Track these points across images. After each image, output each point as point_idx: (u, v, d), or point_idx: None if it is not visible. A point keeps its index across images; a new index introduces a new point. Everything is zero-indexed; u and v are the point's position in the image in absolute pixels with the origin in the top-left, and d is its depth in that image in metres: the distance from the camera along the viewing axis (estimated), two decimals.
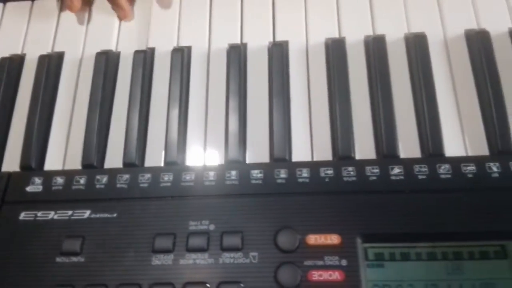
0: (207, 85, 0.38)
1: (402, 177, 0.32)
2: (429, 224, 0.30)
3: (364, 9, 0.39)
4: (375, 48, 0.37)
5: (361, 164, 0.33)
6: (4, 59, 0.40)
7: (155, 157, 0.36)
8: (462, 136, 0.34)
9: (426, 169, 0.32)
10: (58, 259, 0.31)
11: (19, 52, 0.41)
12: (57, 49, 0.41)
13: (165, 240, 0.31)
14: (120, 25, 0.42)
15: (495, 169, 0.32)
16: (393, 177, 0.32)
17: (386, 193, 0.31)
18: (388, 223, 0.30)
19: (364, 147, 0.34)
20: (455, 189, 0.31)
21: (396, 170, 0.32)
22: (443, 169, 0.32)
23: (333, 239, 0.30)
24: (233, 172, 0.34)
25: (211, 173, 0.34)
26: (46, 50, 0.41)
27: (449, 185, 0.31)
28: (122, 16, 0.41)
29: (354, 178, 0.32)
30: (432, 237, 0.30)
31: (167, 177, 0.34)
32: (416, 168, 0.32)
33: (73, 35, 0.41)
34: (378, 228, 0.30)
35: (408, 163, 0.32)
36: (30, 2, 0.43)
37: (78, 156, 0.36)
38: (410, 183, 0.32)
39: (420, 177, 0.32)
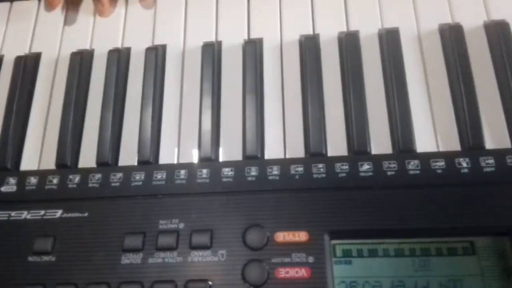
0: (182, 84, 0.38)
1: (371, 173, 0.32)
2: (397, 220, 0.30)
3: (338, 6, 0.39)
4: (348, 44, 0.37)
5: (331, 161, 0.33)
6: None
7: (129, 156, 0.36)
8: (434, 132, 0.34)
9: (395, 165, 0.32)
10: (30, 258, 0.31)
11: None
12: (34, 49, 0.41)
13: (135, 239, 0.31)
14: (95, 24, 0.42)
15: (464, 164, 0.32)
16: (362, 174, 0.32)
17: (354, 190, 0.32)
18: (356, 219, 0.30)
19: (337, 144, 0.34)
20: (424, 185, 0.31)
21: (366, 166, 0.32)
22: (412, 165, 0.32)
23: (301, 236, 0.30)
24: (204, 170, 0.34)
25: (182, 172, 0.34)
26: (23, 51, 0.41)
27: (417, 181, 0.31)
28: (100, 11, 0.41)
29: (323, 175, 0.32)
30: (400, 234, 0.30)
31: (139, 176, 0.34)
32: (385, 164, 0.32)
33: (50, 36, 0.41)
34: (346, 225, 0.30)
35: (377, 159, 0.32)
36: (8, 4, 0.44)
37: (53, 156, 0.36)
38: (379, 179, 0.32)
39: (389, 173, 0.32)
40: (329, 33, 0.38)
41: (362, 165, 0.32)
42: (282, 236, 0.30)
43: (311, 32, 0.39)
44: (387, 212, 0.31)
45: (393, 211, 0.31)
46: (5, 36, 0.42)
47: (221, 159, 0.35)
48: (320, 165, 0.33)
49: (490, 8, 0.37)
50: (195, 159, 0.35)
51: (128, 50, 0.40)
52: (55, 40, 0.41)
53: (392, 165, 0.32)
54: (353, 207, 0.31)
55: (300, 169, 0.33)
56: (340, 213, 0.31)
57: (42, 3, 0.43)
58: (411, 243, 0.30)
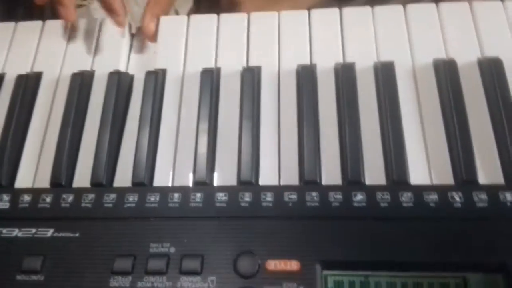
0: (180, 108, 0.39)
1: (364, 204, 0.32)
2: (389, 252, 0.30)
3: (335, 38, 0.40)
4: (344, 75, 0.37)
5: (325, 190, 0.33)
6: None
7: (124, 178, 0.36)
8: (427, 164, 0.34)
9: (388, 197, 0.32)
10: (19, 277, 0.31)
11: None
12: (36, 69, 0.42)
13: (124, 261, 0.31)
14: (97, 46, 0.43)
15: (457, 198, 0.32)
16: (355, 204, 0.32)
17: (347, 220, 0.31)
18: (349, 250, 0.30)
19: (331, 172, 0.34)
20: (417, 218, 0.31)
21: (359, 196, 0.32)
22: (406, 197, 0.32)
23: (293, 265, 0.30)
24: (198, 194, 0.34)
25: (176, 195, 0.34)
26: (25, 70, 0.42)
27: (411, 214, 0.32)
28: (118, 22, 0.41)
29: (317, 204, 0.32)
30: (392, 266, 0.30)
31: (132, 198, 0.34)
32: (379, 195, 0.32)
33: (52, 56, 0.42)
34: (338, 255, 0.30)
35: (371, 190, 0.33)
36: (13, 24, 0.45)
37: (49, 175, 0.36)
38: (372, 210, 0.32)
39: (382, 204, 0.32)
40: (325, 64, 0.39)
41: (355, 195, 0.32)
42: (273, 264, 0.30)
43: (308, 62, 0.40)
44: (380, 244, 0.30)
45: (386, 243, 0.30)
46: (8, 55, 0.43)
47: (215, 183, 0.35)
48: (314, 194, 0.33)
49: (484, 45, 0.38)
50: (189, 183, 0.35)
51: (127, 73, 0.41)
52: (57, 60, 0.42)
53: (386, 197, 0.32)
54: (346, 237, 0.31)
55: (294, 196, 0.33)
56: (332, 243, 0.31)
57: (46, 23, 0.44)
58: (403, 277, 0.30)
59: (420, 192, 0.32)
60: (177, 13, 0.64)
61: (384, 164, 0.34)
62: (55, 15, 0.43)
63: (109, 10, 0.41)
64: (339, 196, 0.32)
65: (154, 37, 0.42)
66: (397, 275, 0.30)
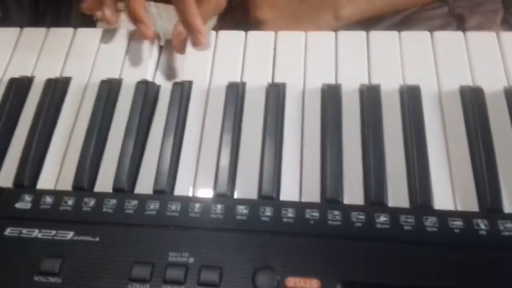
0: (204, 119, 0.39)
1: (387, 226, 0.32)
2: (412, 276, 0.30)
3: (361, 59, 0.40)
4: (370, 96, 0.37)
5: (348, 209, 0.33)
6: (13, 79, 0.42)
7: (145, 185, 0.36)
8: (452, 190, 0.34)
9: (412, 220, 0.32)
10: (36, 278, 0.31)
11: (29, 75, 0.43)
12: (65, 74, 0.43)
13: (143, 269, 0.31)
14: (126, 55, 0.43)
15: (483, 226, 0.31)
16: (378, 225, 0.32)
17: (370, 241, 0.31)
18: (371, 272, 0.30)
19: (353, 192, 0.34)
20: (441, 243, 0.31)
21: (382, 218, 0.32)
22: (430, 222, 0.32)
23: (313, 284, 0.30)
24: (219, 206, 0.34)
25: (197, 205, 0.34)
26: (54, 75, 0.42)
27: (435, 239, 0.31)
28: (145, 32, 0.41)
29: (339, 223, 0.32)
30: None
31: (153, 206, 0.34)
32: (403, 218, 0.32)
33: (82, 62, 0.43)
34: (359, 277, 0.30)
35: (394, 212, 0.32)
36: (45, 29, 0.46)
37: (71, 178, 0.36)
38: (395, 233, 0.31)
39: (406, 227, 0.32)
40: (351, 84, 0.39)
41: (379, 216, 0.32)
42: (293, 282, 0.30)
43: (333, 82, 0.40)
44: (403, 268, 0.30)
45: (410, 267, 0.30)
46: (38, 59, 0.44)
47: (235, 196, 0.35)
48: (336, 212, 0.33)
49: (510, 74, 0.39)
50: (210, 194, 0.35)
51: (154, 83, 0.41)
52: (86, 67, 0.43)
53: (410, 220, 0.32)
54: (368, 259, 0.30)
55: (316, 214, 0.33)
56: (354, 264, 0.30)
57: (77, 31, 0.45)
58: None
59: (445, 217, 0.32)
60: None
61: (408, 187, 0.34)
62: (83, 23, 0.44)
63: (135, 20, 0.42)
64: (362, 216, 0.32)
65: (184, 49, 0.43)
66: None
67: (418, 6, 0.57)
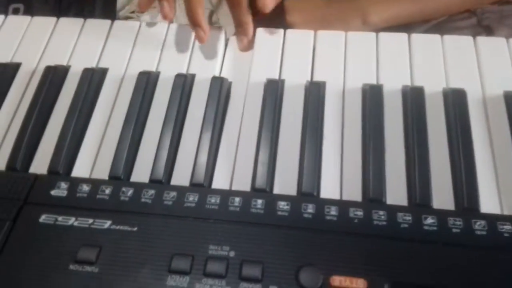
0: (242, 114, 0.38)
1: (435, 228, 0.31)
2: (462, 280, 0.29)
3: (403, 62, 0.40)
4: (413, 98, 0.37)
5: (393, 210, 0.32)
6: (49, 67, 0.41)
7: (181, 177, 0.35)
8: (498, 193, 0.33)
9: (460, 223, 0.31)
10: (72, 267, 0.30)
11: (65, 64, 0.43)
12: (102, 65, 0.42)
13: (183, 261, 0.30)
14: (163, 48, 0.43)
15: None
16: (426, 227, 0.31)
17: (418, 243, 0.30)
18: (419, 273, 0.29)
19: (396, 192, 0.33)
20: (490, 247, 0.30)
21: (429, 220, 0.31)
22: (479, 225, 0.31)
23: (359, 283, 0.29)
24: (259, 201, 0.33)
25: (237, 199, 0.33)
26: (91, 65, 0.42)
27: (483, 242, 0.30)
28: (200, 37, 0.41)
29: (384, 223, 0.31)
30: None
31: (192, 198, 0.33)
32: (451, 220, 0.31)
33: (119, 54, 0.43)
34: (408, 278, 0.29)
35: (441, 215, 0.31)
36: (82, 20, 0.46)
37: (106, 167, 0.36)
38: (444, 235, 0.30)
39: (454, 230, 0.31)
40: (392, 85, 0.39)
41: (426, 218, 0.31)
42: (338, 281, 0.29)
43: (374, 82, 0.39)
44: (451, 270, 0.29)
45: (458, 271, 0.29)
46: (75, 49, 0.44)
47: (274, 191, 0.34)
48: (381, 212, 0.32)
49: None
50: (248, 189, 0.34)
51: (192, 76, 0.41)
52: (123, 59, 0.42)
53: (458, 223, 0.31)
54: (416, 260, 0.29)
55: (360, 213, 0.32)
56: (401, 265, 0.29)
57: (115, 23, 0.45)
58: None
59: (494, 221, 0.31)
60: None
61: (453, 189, 0.33)
62: (106, 17, 0.44)
63: (193, 23, 0.41)
64: (408, 217, 0.31)
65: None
66: None
67: (446, 16, 0.57)
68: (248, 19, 0.41)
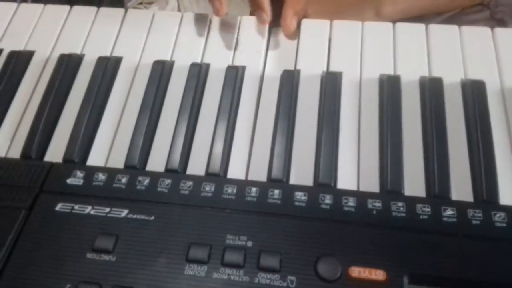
0: (257, 104, 0.38)
1: (454, 220, 0.30)
2: (481, 272, 0.28)
3: (421, 52, 0.39)
4: (432, 89, 0.36)
5: (412, 201, 0.31)
6: (63, 55, 0.41)
7: (197, 166, 0.35)
8: None
9: (480, 215, 0.31)
10: (89, 255, 0.30)
11: (78, 52, 0.42)
12: (116, 54, 0.42)
13: (200, 250, 0.30)
14: (177, 37, 0.43)
15: None
16: (445, 219, 0.31)
17: (437, 234, 0.30)
18: (439, 265, 0.29)
19: (414, 183, 0.33)
20: (510, 239, 0.30)
21: (449, 211, 0.31)
22: (498, 217, 0.30)
23: (378, 274, 0.28)
24: (276, 191, 0.33)
25: (254, 189, 0.33)
26: (105, 53, 0.42)
27: (504, 234, 0.30)
28: (263, 19, 0.41)
29: (403, 214, 0.31)
30: (483, 287, 0.28)
31: (209, 187, 0.33)
32: (470, 212, 0.31)
33: (133, 43, 0.42)
34: (427, 270, 0.29)
35: (461, 206, 0.31)
36: (95, 8, 0.45)
37: (121, 156, 0.36)
38: (463, 227, 0.30)
39: (474, 222, 0.30)
40: (410, 76, 0.38)
41: (445, 210, 0.31)
42: (357, 272, 0.29)
43: (391, 72, 0.39)
44: (471, 262, 0.29)
45: (478, 262, 0.29)
46: (89, 37, 0.44)
47: (291, 182, 0.34)
48: (400, 204, 0.31)
49: None
50: (263, 178, 0.34)
51: (207, 66, 0.41)
52: (137, 48, 0.42)
53: (477, 215, 0.31)
54: (436, 252, 0.29)
55: (378, 204, 0.31)
56: (421, 257, 0.29)
57: (128, 12, 0.45)
58: None
59: None
60: None
61: (472, 181, 0.33)
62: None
63: (258, 7, 0.41)
64: (427, 209, 0.31)
65: (293, 36, 0.42)
66: None
67: (459, 9, 0.56)
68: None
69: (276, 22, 0.43)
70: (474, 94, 0.36)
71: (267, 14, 0.41)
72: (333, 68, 0.40)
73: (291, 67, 0.40)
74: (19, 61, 0.41)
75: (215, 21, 0.44)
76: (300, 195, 0.32)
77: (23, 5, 0.46)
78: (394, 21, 0.45)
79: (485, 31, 0.40)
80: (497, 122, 0.35)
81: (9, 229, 0.31)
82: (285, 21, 0.41)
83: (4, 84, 0.40)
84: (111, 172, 0.34)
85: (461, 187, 0.33)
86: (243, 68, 0.40)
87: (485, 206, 0.31)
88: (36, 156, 0.36)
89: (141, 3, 0.93)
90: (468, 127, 0.35)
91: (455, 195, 0.32)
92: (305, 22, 0.43)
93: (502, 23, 0.56)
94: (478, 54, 0.39)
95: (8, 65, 0.41)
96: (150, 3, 0.92)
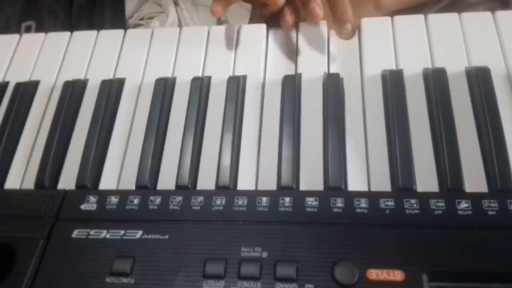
0: (261, 113, 0.38)
1: (469, 212, 0.30)
2: (503, 263, 0.28)
3: (421, 43, 0.39)
4: (436, 81, 0.36)
5: (425, 197, 0.31)
6: (67, 82, 0.42)
7: (207, 180, 0.35)
8: None
9: (495, 205, 0.30)
10: (108, 279, 0.30)
11: (82, 78, 0.43)
12: (118, 76, 0.42)
13: (217, 265, 0.30)
14: (177, 54, 0.43)
15: None
16: (460, 212, 0.30)
17: (453, 229, 0.29)
18: (457, 260, 0.28)
19: (425, 179, 0.33)
20: None
21: (463, 204, 0.30)
22: None
23: (397, 275, 0.28)
24: (287, 199, 0.33)
25: (264, 199, 0.33)
26: (108, 76, 0.42)
27: None
28: (349, 36, 0.41)
29: (417, 211, 0.31)
30: (506, 278, 0.28)
31: (220, 201, 0.33)
32: (485, 203, 0.30)
33: (134, 63, 0.43)
34: (446, 266, 0.28)
35: (475, 198, 0.30)
36: (95, 32, 0.46)
37: (132, 177, 0.36)
38: (479, 219, 0.30)
39: (490, 213, 0.30)
40: (413, 69, 0.38)
41: (459, 203, 0.30)
42: (375, 274, 0.28)
43: (393, 67, 0.38)
44: (491, 254, 0.28)
45: (496, 254, 0.28)
46: (91, 61, 0.44)
47: (300, 188, 0.34)
48: (413, 201, 0.31)
49: None
50: (274, 187, 0.34)
51: (209, 78, 0.41)
52: (139, 67, 0.43)
53: (493, 205, 0.30)
54: (453, 247, 0.29)
55: (391, 203, 0.31)
56: (438, 253, 0.29)
57: (128, 32, 0.45)
58: None
59: None
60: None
61: (485, 171, 0.32)
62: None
63: (345, 21, 0.41)
64: (441, 204, 0.31)
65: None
66: (510, 287, 0.28)
67: None
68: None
69: (273, 23, 0.43)
70: (480, 81, 0.35)
71: (353, 29, 0.40)
72: (334, 69, 0.40)
73: (292, 72, 0.40)
74: (26, 92, 0.42)
75: (214, 32, 0.44)
76: (311, 201, 0.32)
77: (25, 36, 0.47)
78: (393, 13, 0.45)
79: (485, 15, 0.40)
80: (506, 108, 0.35)
81: (29, 259, 0.32)
82: (284, 20, 0.41)
83: (13, 116, 0.41)
84: (123, 194, 0.34)
85: (474, 178, 0.32)
86: (244, 77, 0.40)
87: (501, 195, 0.30)
88: (50, 185, 0.37)
89: (142, 19, 0.94)
90: (477, 115, 0.35)
91: (469, 187, 0.32)
92: (302, 25, 0.42)
93: (505, 3, 0.55)
94: (481, 40, 0.38)
95: (15, 97, 0.42)
96: (151, 18, 0.93)
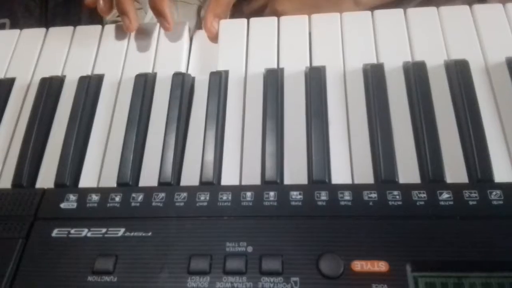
0: (244, 107, 0.38)
1: (451, 203, 0.30)
2: (484, 252, 0.28)
3: (401, 37, 0.39)
4: (416, 74, 0.36)
5: (407, 188, 0.31)
6: (44, 79, 0.41)
7: (190, 177, 0.35)
8: (510, 161, 0.33)
9: (476, 195, 0.31)
10: (90, 278, 0.30)
11: (59, 74, 0.42)
12: (97, 72, 0.42)
13: (201, 261, 0.29)
14: (157, 49, 0.42)
15: None
16: (442, 203, 0.30)
17: (435, 219, 0.30)
18: (440, 250, 0.29)
19: (407, 171, 0.33)
20: (509, 216, 0.30)
21: (445, 195, 0.31)
22: (495, 195, 0.30)
23: (381, 266, 0.28)
24: (271, 193, 0.32)
25: (248, 194, 0.33)
26: (86, 72, 0.42)
27: (502, 212, 0.30)
28: (165, 27, 0.42)
29: (399, 203, 0.31)
30: (488, 267, 0.28)
31: (204, 197, 0.33)
32: (466, 193, 0.31)
33: (113, 59, 0.42)
34: (429, 256, 0.29)
35: (456, 188, 0.31)
36: (72, 28, 0.45)
37: (113, 175, 0.35)
38: (460, 209, 0.30)
39: (470, 203, 0.30)
40: (393, 63, 0.38)
41: (441, 193, 0.31)
42: (360, 265, 0.29)
43: (374, 61, 0.39)
44: (473, 244, 0.29)
45: (479, 243, 0.29)
46: (68, 58, 0.43)
47: (285, 182, 0.34)
48: (395, 192, 0.31)
49: None
50: (256, 182, 0.34)
51: (190, 74, 0.40)
52: (118, 63, 0.42)
53: (473, 195, 0.31)
54: (435, 237, 0.29)
55: (374, 195, 0.31)
56: (421, 244, 0.29)
57: (105, 28, 0.44)
58: (499, 277, 0.28)
59: (510, 190, 0.30)
60: None
61: (465, 162, 0.33)
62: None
63: (159, 14, 0.41)
64: (423, 195, 0.31)
65: (216, 38, 0.42)
66: (493, 275, 0.28)
67: None
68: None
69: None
70: (459, 74, 0.36)
71: (169, 22, 0.41)
72: (316, 62, 0.40)
73: (274, 66, 0.40)
74: (1, 89, 0.41)
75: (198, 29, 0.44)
76: (295, 195, 0.32)
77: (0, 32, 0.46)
78: (372, 8, 0.45)
79: (463, 9, 0.40)
80: (485, 100, 0.35)
81: (8, 260, 0.31)
82: (206, 25, 0.42)
83: None
84: (104, 192, 0.34)
85: (455, 169, 0.33)
86: (227, 72, 0.40)
87: (481, 185, 0.31)
88: (27, 183, 0.36)
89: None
90: (456, 107, 0.35)
91: (450, 178, 0.32)
92: (283, 20, 0.42)
93: None
94: (459, 33, 0.39)
95: None
96: None
